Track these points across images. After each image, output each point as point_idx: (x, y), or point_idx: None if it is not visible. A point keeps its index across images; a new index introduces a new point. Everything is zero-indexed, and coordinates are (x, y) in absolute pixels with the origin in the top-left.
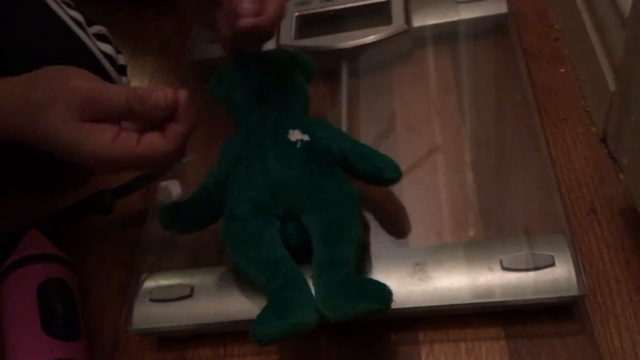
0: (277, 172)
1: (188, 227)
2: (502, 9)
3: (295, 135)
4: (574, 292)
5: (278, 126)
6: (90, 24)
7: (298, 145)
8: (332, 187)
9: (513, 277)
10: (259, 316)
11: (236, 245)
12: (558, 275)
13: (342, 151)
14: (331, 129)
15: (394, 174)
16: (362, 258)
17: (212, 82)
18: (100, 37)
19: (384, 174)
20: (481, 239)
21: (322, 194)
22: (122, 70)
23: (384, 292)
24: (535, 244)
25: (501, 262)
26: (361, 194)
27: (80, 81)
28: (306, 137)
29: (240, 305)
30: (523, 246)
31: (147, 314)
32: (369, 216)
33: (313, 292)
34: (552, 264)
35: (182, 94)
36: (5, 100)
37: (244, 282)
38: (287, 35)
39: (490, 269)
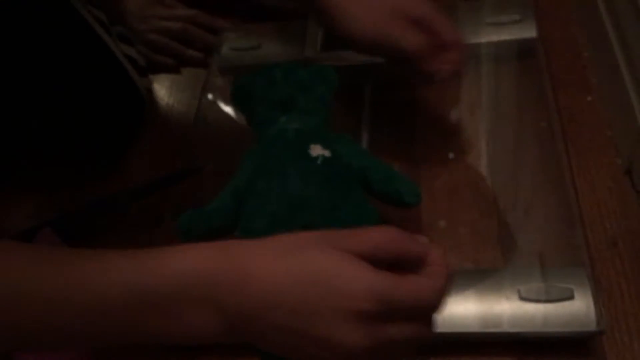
0: (296, 188)
1: (205, 235)
2: (531, 33)
3: (317, 150)
4: (592, 327)
5: (299, 140)
6: (112, 24)
7: (319, 162)
8: (350, 206)
9: (530, 308)
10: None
11: None
12: (576, 309)
13: (362, 170)
14: (353, 146)
15: (414, 199)
16: None
17: (234, 91)
18: (123, 38)
19: (404, 197)
20: (498, 267)
21: (340, 213)
22: (142, 72)
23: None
24: (554, 275)
25: (519, 291)
26: (379, 214)
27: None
28: (327, 153)
29: None
30: (542, 277)
31: None
32: None
33: None
34: (571, 297)
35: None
36: None
37: None
38: (313, 47)
39: (507, 299)
